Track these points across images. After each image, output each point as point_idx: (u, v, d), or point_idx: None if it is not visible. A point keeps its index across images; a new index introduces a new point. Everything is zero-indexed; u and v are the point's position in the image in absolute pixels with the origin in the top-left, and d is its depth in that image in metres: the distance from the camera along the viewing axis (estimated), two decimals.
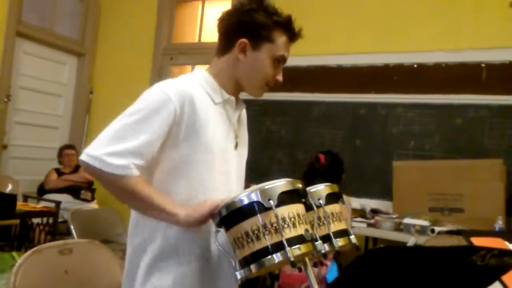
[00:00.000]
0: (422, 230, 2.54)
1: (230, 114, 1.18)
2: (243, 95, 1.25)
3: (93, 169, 1.00)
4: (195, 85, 1.13)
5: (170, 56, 4.35)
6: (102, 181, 1.02)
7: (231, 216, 0.97)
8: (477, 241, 1.37)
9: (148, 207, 1.04)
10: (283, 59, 1.16)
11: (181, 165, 1.09)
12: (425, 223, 2.57)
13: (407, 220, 2.65)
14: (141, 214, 1.11)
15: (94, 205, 3.81)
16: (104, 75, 4.61)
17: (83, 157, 1.00)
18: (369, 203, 3.13)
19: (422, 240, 2.36)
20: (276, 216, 0.93)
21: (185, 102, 1.06)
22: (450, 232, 2.23)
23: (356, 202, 3.13)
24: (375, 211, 2.98)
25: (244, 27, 1.12)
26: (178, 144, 1.07)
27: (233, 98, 1.18)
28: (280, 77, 1.18)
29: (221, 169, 1.14)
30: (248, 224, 0.95)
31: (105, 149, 0.99)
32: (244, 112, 1.29)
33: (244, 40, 1.12)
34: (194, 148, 1.08)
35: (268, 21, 1.11)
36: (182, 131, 1.07)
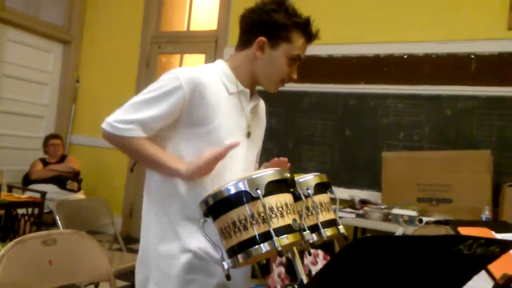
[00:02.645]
0: (410, 220, 2.57)
1: (244, 105, 1.24)
2: None
3: (107, 134, 1.16)
4: (212, 74, 1.20)
5: (158, 45, 4.29)
6: (114, 142, 1.17)
7: (218, 205, 0.96)
8: (464, 231, 1.38)
9: (153, 163, 1.17)
10: (299, 58, 1.22)
11: (190, 147, 1.16)
12: (413, 213, 2.59)
13: (395, 211, 2.67)
14: (150, 169, 1.23)
15: (80, 195, 3.76)
16: (90, 63, 4.53)
17: (103, 124, 1.16)
18: (358, 194, 3.14)
19: (410, 230, 2.38)
20: (264, 206, 0.92)
21: (195, 89, 1.14)
22: (438, 222, 2.26)
23: (345, 193, 3.15)
24: (364, 202, 3.00)
25: (264, 26, 1.18)
26: (188, 126, 1.16)
27: (247, 90, 1.24)
28: (294, 75, 1.24)
29: (228, 157, 1.16)
30: (235, 214, 0.94)
31: (117, 117, 1.15)
32: (262, 105, 1.36)
33: (262, 38, 1.18)
34: (203, 132, 1.16)
35: (287, 21, 1.17)
36: (192, 115, 1.15)
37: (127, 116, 1.14)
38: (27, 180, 3.76)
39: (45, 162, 3.85)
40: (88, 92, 4.48)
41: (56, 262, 1.37)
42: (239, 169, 1.22)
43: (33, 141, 4.16)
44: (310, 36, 1.21)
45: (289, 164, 1.33)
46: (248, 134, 1.26)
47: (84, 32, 4.59)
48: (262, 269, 2.90)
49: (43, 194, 3.02)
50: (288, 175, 1.01)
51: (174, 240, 1.17)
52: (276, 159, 1.32)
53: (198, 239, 1.14)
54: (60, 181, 3.72)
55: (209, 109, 1.15)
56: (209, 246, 1.13)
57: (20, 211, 2.98)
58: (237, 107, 1.22)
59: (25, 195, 3.12)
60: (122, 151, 1.19)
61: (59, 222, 2.11)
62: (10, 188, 3.30)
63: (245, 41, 1.22)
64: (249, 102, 1.26)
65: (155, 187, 1.22)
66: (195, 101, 1.14)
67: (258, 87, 1.28)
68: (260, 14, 1.19)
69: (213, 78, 1.19)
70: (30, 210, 2.94)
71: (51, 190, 3.48)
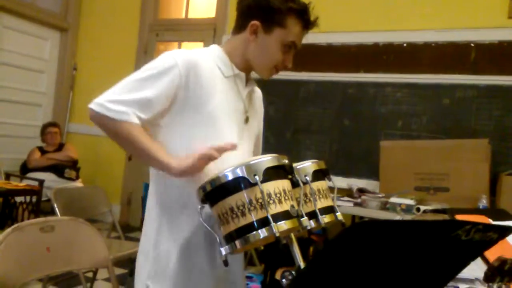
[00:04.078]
0: (407, 209, 2.57)
1: (241, 89, 1.22)
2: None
3: (95, 114, 1.06)
4: (207, 57, 1.17)
5: (156, 32, 4.25)
6: (102, 126, 1.08)
7: (216, 191, 0.96)
8: (462, 218, 1.39)
9: (143, 155, 1.09)
10: (294, 46, 1.18)
11: (185, 131, 1.12)
12: (410, 202, 2.60)
13: (393, 199, 2.67)
14: (138, 160, 1.17)
15: (78, 184, 3.76)
16: (88, 50, 4.49)
17: (90, 105, 1.07)
18: (357, 183, 3.14)
19: (407, 218, 2.39)
20: (262, 192, 0.92)
21: (190, 69, 1.11)
22: (435, 211, 2.27)
23: (343, 182, 3.15)
24: (362, 191, 3.00)
25: (259, 9, 1.15)
26: (183, 109, 1.11)
27: (243, 74, 1.21)
28: (289, 63, 1.20)
29: (225, 138, 1.14)
30: (233, 200, 0.94)
31: (110, 98, 1.06)
32: (258, 92, 1.33)
33: (256, 22, 1.15)
34: (199, 114, 1.12)
35: (282, 6, 1.13)
36: (187, 97, 1.11)
37: (121, 96, 1.06)
38: (25, 169, 3.75)
39: (42, 151, 3.84)
40: (85, 80, 4.45)
41: (54, 249, 1.37)
42: (236, 157, 1.17)
43: (31, 129, 4.15)
44: (307, 23, 1.17)
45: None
46: (246, 119, 1.23)
47: (81, 19, 4.54)
48: (260, 256, 2.91)
49: (41, 182, 3.02)
50: (286, 161, 1.01)
51: (170, 231, 1.15)
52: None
53: (193, 229, 1.13)
54: (58, 169, 3.71)
55: (204, 91, 1.12)
56: (203, 236, 1.12)
57: (18, 199, 2.98)
58: (234, 91, 1.20)
59: (23, 183, 3.12)
60: (110, 136, 1.10)
61: (57, 210, 2.11)
62: (8, 176, 3.30)
63: (240, 25, 1.20)
64: (244, 87, 1.23)
65: (155, 175, 1.18)
66: (190, 82, 1.10)
67: (255, 76, 1.26)
68: None
69: (208, 61, 1.16)
70: (28, 198, 2.94)
71: (49, 178, 3.48)
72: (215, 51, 1.20)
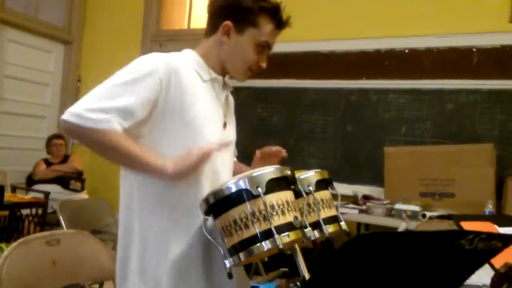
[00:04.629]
0: (413, 215, 2.56)
1: (219, 93, 1.18)
2: (231, 82, 1.23)
3: (71, 126, 0.96)
4: (183, 62, 1.12)
5: (159, 43, 4.28)
6: (83, 138, 1.00)
7: (219, 204, 0.96)
8: (467, 225, 1.37)
9: (132, 162, 1.02)
10: (267, 46, 1.15)
11: (167, 139, 1.06)
12: (416, 208, 2.59)
13: (398, 206, 2.66)
14: (126, 169, 1.10)
15: (83, 195, 3.78)
16: (91, 62, 4.53)
17: (64, 115, 0.97)
18: (361, 189, 3.13)
19: (413, 225, 2.38)
20: (265, 204, 0.92)
21: (171, 74, 1.05)
22: (441, 217, 2.25)
23: (348, 189, 3.14)
24: (366, 197, 2.99)
25: (230, 9, 1.12)
26: (164, 117, 1.05)
27: (220, 77, 1.18)
28: (263, 64, 1.17)
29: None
30: (237, 212, 0.94)
31: (87, 106, 0.97)
32: (231, 97, 1.28)
33: (228, 22, 1.12)
34: (181, 121, 1.06)
35: (254, 5, 1.11)
36: (168, 103, 1.05)
37: (100, 103, 0.97)
38: (31, 181, 3.77)
39: (48, 163, 3.86)
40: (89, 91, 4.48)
41: (60, 262, 1.38)
42: (218, 163, 1.13)
43: (36, 142, 4.17)
44: (279, 22, 1.14)
45: (283, 151, 1.28)
46: (224, 125, 1.19)
47: (84, 31, 4.59)
48: (266, 266, 2.90)
49: (47, 194, 3.04)
50: (289, 172, 1.01)
51: (158, 250, 1.07)
52: (267, 148, 1.27)
53: (183, 246, 1.07)
54: (63, 181, 3.73)
55: (186, 97, 1.06)
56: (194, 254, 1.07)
57: (24, 211, 3.00)
58: (212, 96, 1.16)
59: (29, 196, 3.14)
60: (91, 148, 1.00)
61: (62, 222, 2.12)
62: (13, 189, 3.32)
63: (212, 27, 1.16)
64: (222, 91, 1.19)
65: (139, 193, 1.09)
66: (171, 87, 1.04)
67: (236, 83, 1.21)
68: None
69: (186, 66, 1.11)
70: (33, 210, 2.96)
71: (55, 190, 3.49)
72: (191, 55, 1.16)
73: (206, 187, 1.08)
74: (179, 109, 1.06)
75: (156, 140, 1.06)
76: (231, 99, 1.28)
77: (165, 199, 1.08)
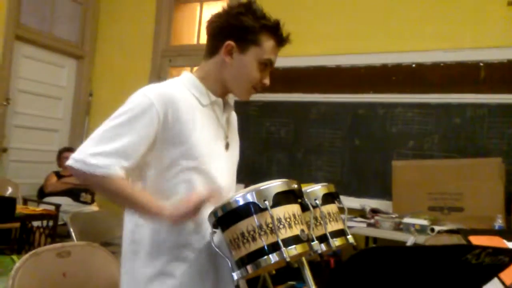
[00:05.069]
0: (421, 230, 2.54)
1: (219, 115, 1.19)
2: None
3: (77, 172, 1.01)
4: (181, 88, 1.13)
5: (169, 58, 4.36)
6: (88, 182, 1.05)
7: (227, 217, 0.98)
8: (476, 239, 1.37)
9: (133, 206, 1.07)
10: (270, 63, 1.16)
11: (170, 170, 1.09)
12: (424, 222, 2.57)
13: (406, 220, 2.64)
14: (129, 211, 1.14)
15: (94, 208, 3.81)
16: (103, 77, 4.62)
17: (69, 162, 1.02)
18: (369, 203, 3.12)
19: (421, 239, 2.36)
20: (272, 217, 0.94)
21: (168, 106, 1.07)
22: (450, 231, 2.23)
23: (356, 202, 3.13)
24: (375, 211, 2.98)
25: (232, 30, 1.13)
26: (165, 148, 1.08)
27: (220, 99, 1.19)
28: (267, 81, 1.17)
29: (211, 172, 1.13)
30: (244, 225, 0.95)
31: (88, 151, 1.01)
32: (234, 115, 1.30)
33: (230, 42, 1.13)
34: (181, 152, 1.08)
35: (255, 24, 1.12)
36: (168, 135, 1.07)
37: (101, 147, 1.01)
38: (42, 193, 3.81)
39: (59, 175, 3.91)
40: (101, 105, 4.56)
41: (70, 274, 1.39)
42: (224, 184, 1.15)
43: (48, 154, 4.24)
44: (280, 39, 1.15)
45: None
46: (227, 146, 1.20)
47: (97, 47, 4.69)
48: (273, 279, 2.88)
49: (58, 206, 3.07)
50: (296, 185, 1.03)
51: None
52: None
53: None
54: (74, 193, 3.76)
55: (184, 126, 1.08)
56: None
57: (35, 223, 3.03)
58: (213, 119, 1.17)
59: (40, 208, 3.17)
60: (97, 192, 1.06)
61: (73, 234, 2.14)
62: (25, 201, 3.36)
63: (212, 48, 1.16)
64: (223, 112, 1.20)
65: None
66: (168, 118, 1.06)
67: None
68: (227, 18, 1.13)
69: (183, 92, 1.12)
70: (44, 222, 2.99)
71: (65, 202, 3.53)
72: (189, 79, 1.17)
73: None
74: (178, 139, 1.08)
75: (159, 170, 1.09)
76: (233, 117, 1.29)
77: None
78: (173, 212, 1.01)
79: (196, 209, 1.00)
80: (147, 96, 1.07)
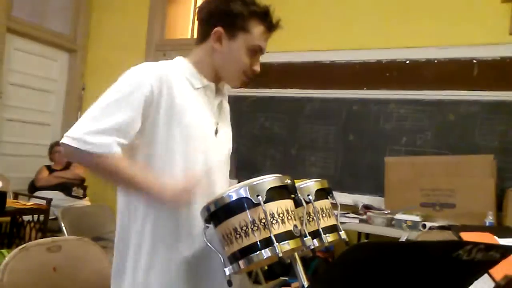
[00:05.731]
0: (413, 226, 2.56)
1: (211, 100, 1.18)
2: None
3: (73, 150, 0.99)
4: (174, 70, 1.13)
5: (162, 52, 4.32)
6: (84, 162, 1.04)
7: (220, 212, 0.97)
8: (467, 236, 1.38)
9: (132, 186, 1.05)
10: (260, 49, 1.15)
11: (160, 150, 1.08)
12: (416, 218, 2.59)
13: (398, 216, 2.66)
14: (125, 191, 1.13)
15: (86, 202, 3.79)
16: (96, 71, 4.57)
17: (64, 140, 0.99)
18: (362, 199, 3.14)
19: (413, 235, 2.37)
20: (265, 212, 0.93)
21: (163, 84, 1.07)
22: (441, 228, 2.25)
23: (348, 198, 3.14)
24: (367, 207, 2.99)
25: (220, 16, 1.12)
26: (157, 127, 1.07)
27: (213, 84, 1.18)
28: (257, 68, 1.17)
29: (200, 156, 1.12)
30: (237, 220, 0.95)
31: (86, 129, 0.99)
32: (226, 104, 1.28)
33: (219, 29, 1.12)
34: (172, 133, 1.08)
35: (244, 10, 1.11)
36: (160, 114, 1.07)
37: (98, 124, 0.99)
38: (33, 187, 3.78)
39: (50, 169, 3.88)
40: (93, 100, 4.43)
41: (61, 269, 1.38)
42: (214, 170, 1.15)
43: (39, 149, 4.20)
44: (270, 25, 1.14)
45: None
46: (216, 131, 1.18)
47: (89, 40, 4.64)
48: (266, 274, 2.89)
49: (49, 201, 3.05)
50: (289, 181, 1.02)
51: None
52: None
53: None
54: (65, 188, 3.74)
55: (177, 106, 1.08)
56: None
57: (26, 218, 3.01)
58: (205, 103, 1.16)
59: (31, 202, 3.14)
60: (92, 171, 1.06)
61: (64, 228, 2.13)
62: (16, 195, 3.33)
63: (203, 34, 1.16)
64: (214, 98, 1.19)
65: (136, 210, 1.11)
66: (163, 97, 1.06)
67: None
68: (216, 4, 1.14)
69: (177, 74, 1.12)
70: (35, 217, 2.96)
71: (57, 197, 3.50)
72: (182, 63, 1.17)
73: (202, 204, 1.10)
74: (170, 118, 1.07)
75: (149, 151, 1.08)
76: (226, 106, 1.28)
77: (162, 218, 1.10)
78: (172, 192, 1.01)
79: (192, 187, 1.01)
80: (144, 74, 1.07)
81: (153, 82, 1.05)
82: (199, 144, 1.12)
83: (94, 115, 1.02)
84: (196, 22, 1.20)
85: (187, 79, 1.14)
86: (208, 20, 1.14)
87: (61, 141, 1.00)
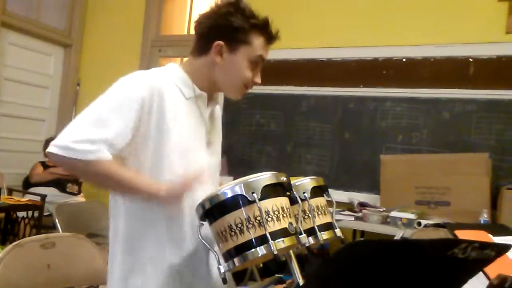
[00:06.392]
0: (408, 223, 2.57)
1: (203, 110, 1.17)
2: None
3: (59, 159, 0.98)
4: (165, 79, 1.12)
5: (158, 48, 4.30)
6: (73, 170, 1.03)
7: (215, 209, 0.97)
8: (462, 234, 1.38)
9: (125, 188, 1.05)
10: (261, 60, 1.15)
11: (149, 163, 1.08)
12: (411, 216, 2.60)
13: (394, 213, 2.67)
14: (120, 196, 1.11)
15: (80, 199, 3.77)
16: (91, 66, 4.54)
17: (50, 149, 0.97)
18: (357, 197, 3.14)
19: (408, 233, 2.38)
20: (260, 210, 0.93)
21: (154, 96, 1.06)
22: (436, 225, 2.26)
23: (344, 196, 3.15)
24: (362, 205, 3.00)
25: (221, 30, 1.11)
26: (147, 139, 1.06)
27: (205, 94, 1.17)
28: (258, 79, 1.17)
29: (190, 170, 1.10)
30: (232, 218, 0.94)
31: (72, 137, 0.98)
32: (218, 110, 1.28)
33: (220, 42, 1.11)
34: (162, 146, 1.07)
35: (245, 24, 1.11)
36: (150, 127, 1.06)
37: (87, 133, 0.98)
38: (27, 183, 3.76)
39: (45, 165, 3.85)
40: (89, 95, 4.49)
41: (55, 266, 1.38)
42: (205, 184, 1.12)
43: (34, 144, 4.17)
44: (270, 36, 1.14)
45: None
46: (208, 142, 1.18)
47: (85, 35, 4.60)
48: (261, 272, 2.90)
49: (43, 197, 3.03)
50: (285, 178, 1.02)
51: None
52: None
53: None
54: (60, 184, 3.72)
55: (167, 117, 1.07)
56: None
57: (20, 214, 2.99)
58: (195, 113, 1.15)
59: (25, 198, 3.13)
60: (83, 179, 1.05)
61: (58, 225, 2.12)
62: (10, 191, 3.31)
63: (201, 48, 1.14)
64: (206, 107, 1.18)
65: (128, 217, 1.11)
66: (153, 110, 1.05)
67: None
68: (216, 18, 1.12)
69: (168, 84, 1.11)
70: (30, 213, 2.95)
71: (51, 193, 3.48)
72: (175, 71, 1.15)
73: (189, 217, 1.10)
74: (161, 130, 1.07)
75: (138, 163, 1.07)
76: (217, 113, 1.27)
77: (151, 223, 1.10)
78: (170, 189, 1.01)
79: (189, 184, 1.01)
80: (136, 84, 1.05)
81: (144, 94, 1.04)
82: (190, 157, 1.11)
83: (83, 124, 1.00)
84: (194, 33, 1.18)
85: (178, 88, 1.12)
86: (208, 34, 1.13)
87: (47, 151, 0.99)
